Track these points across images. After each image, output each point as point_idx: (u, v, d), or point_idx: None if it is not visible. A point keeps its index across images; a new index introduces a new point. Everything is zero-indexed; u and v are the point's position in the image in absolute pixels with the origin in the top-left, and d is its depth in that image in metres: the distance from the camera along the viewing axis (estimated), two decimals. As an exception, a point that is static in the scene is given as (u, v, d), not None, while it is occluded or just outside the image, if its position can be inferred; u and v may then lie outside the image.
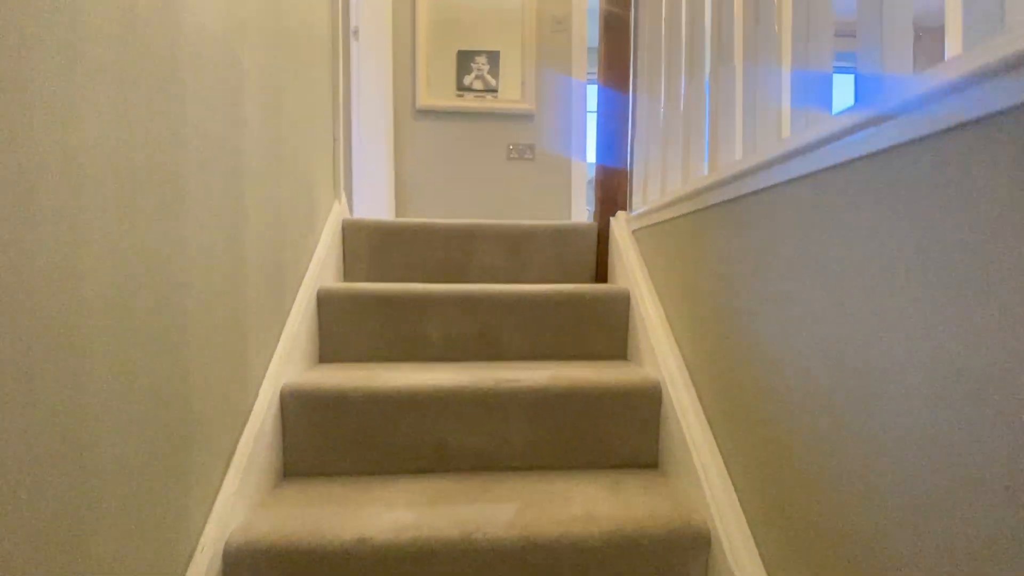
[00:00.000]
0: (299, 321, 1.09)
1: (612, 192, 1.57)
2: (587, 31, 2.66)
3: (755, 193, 0.72)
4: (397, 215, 2.55)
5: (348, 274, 1.49)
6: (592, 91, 4.39)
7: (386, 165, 2.45)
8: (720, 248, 0.84)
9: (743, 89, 0.83)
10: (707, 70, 1.01)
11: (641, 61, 1.48)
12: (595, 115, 1.60)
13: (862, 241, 0.49)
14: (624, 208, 1.57)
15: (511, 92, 2.61)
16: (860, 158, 0.49)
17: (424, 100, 2.56)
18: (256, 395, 0.91)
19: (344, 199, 1.57)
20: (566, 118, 2.64)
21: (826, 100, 0.64)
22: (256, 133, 0.91)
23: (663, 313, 1.15)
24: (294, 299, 1.12)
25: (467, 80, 2.71)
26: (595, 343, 1.29)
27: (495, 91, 2.69)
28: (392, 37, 2.56)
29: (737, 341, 0.76)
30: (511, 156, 2.61)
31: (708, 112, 0.99)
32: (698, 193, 0.92)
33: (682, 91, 1.14)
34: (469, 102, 2.58)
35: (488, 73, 2.72)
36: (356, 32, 2.37)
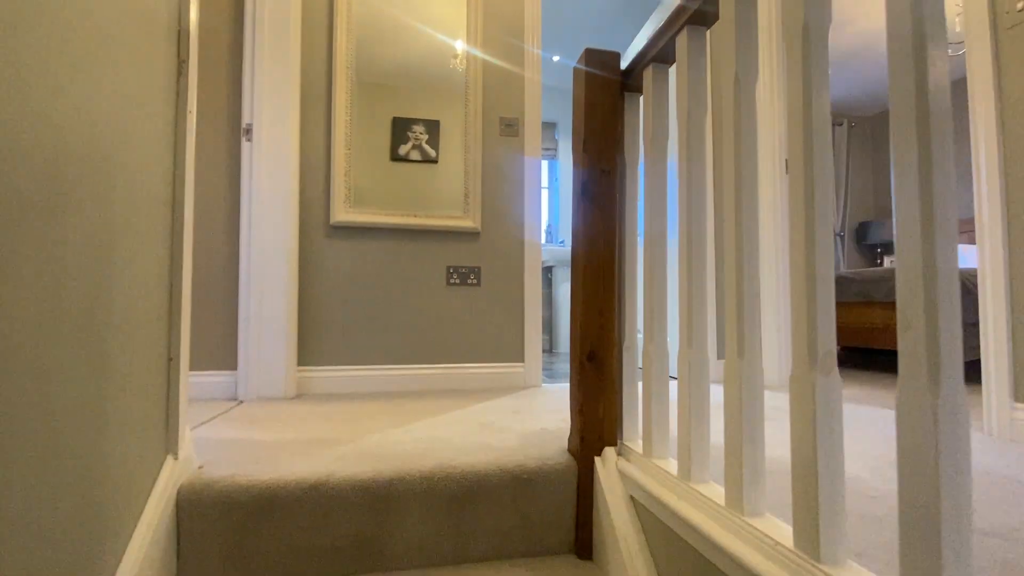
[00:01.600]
0: None
1: (596, 417, 1.11)
2: (540, 138, 2.27)
3: None
4: (300, 364, 1.96)
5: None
6: (557, 167, 4.00)
7: (284, 300, 1.87)
8: None
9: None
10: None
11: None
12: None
13: None
14: (613, 439, 1.11)
15: (451, 205, 2.15)
16: None
17: (341, 214, 2.03)
18: None
19: (186, 442, 0.99)
20: (517, 234, 2.20)
21: None
22: None
23: None
24: None
25: (403, 150, 2.25)
26: None
27: (435, 161, 2.23)
28: (300, 130, 2.03)
29: None
30: (452, 281, 2.12)
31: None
32: None
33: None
34: (400, 217, 2.08)
35: (427, 143, 2.27)
36: (249, 131, 1.83)
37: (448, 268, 2.12)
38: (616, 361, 1.13)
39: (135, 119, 0.80)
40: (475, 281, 2.14)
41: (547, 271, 4.24)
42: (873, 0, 3.22)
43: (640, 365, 1.18)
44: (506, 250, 2.19)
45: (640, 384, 1.11)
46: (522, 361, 2.16)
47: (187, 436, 1.00)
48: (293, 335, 1.92)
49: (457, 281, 2.13)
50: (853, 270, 2.79)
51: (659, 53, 1.02)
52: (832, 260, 0.61)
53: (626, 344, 1.13)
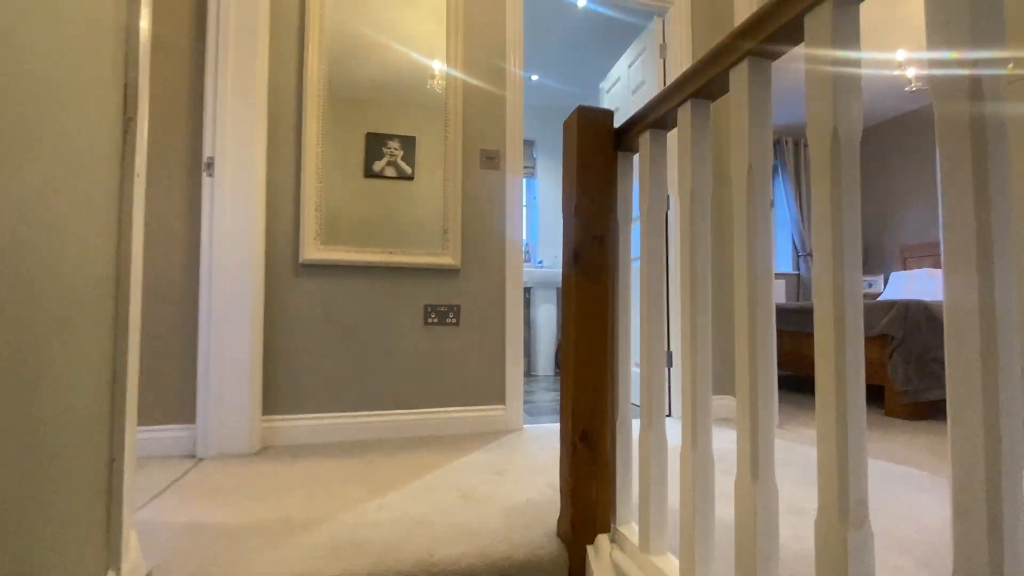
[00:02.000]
0: None
1: (589, 502, 1.04)
2: (522, 167, 2.20)
3: None
4: (266, 413, 1.83)
5: None
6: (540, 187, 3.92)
7: (248, 346, 1.74)
8: None
9: None
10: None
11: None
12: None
13: None
14: (606, 524, 1.04)
15: (429, 238, 2.05)
16: None
17: (311, 251, 1.91)
18: None
19: (132, 550, 0.87)
20: (498, 270, 2.12)
21: None
22: None
23: None
24: None
25: (377, 166, 2.15)
26: None
27: (410, 178, 2.14)
28: (268, 158, 1.91)
29: None
30: (430, 321, 2.03)
31: None
32: None
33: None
34: (376, 254, 1.98)
35: (403, 160, 2.18)
36: (210, 165, 1.70)
37: (426, 307, 2.03)
38: (609, 439, 1.07)
39: (71, 192, 0.68)
40: (454, 320, 2.05)
41: (525, 292, 4.17)
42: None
43: (635, 441, 1.12)
44: (487, 287, 2.10)
45: (635, 466, 1.04)
46: (503, 404, 2.08)
47: (132, 543, 0.88)
48: (257, 382, 1.79)
49: (435, 320, 2.03)
50: (798, 302, 2.82)
51: (659, 120, 0.96)
52: (863, 411, 0.55)
53: (619, 420, 1.06)
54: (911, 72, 3.08)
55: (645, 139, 1.01)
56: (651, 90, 2.57)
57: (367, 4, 2.08)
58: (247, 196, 1.76)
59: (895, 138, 4.70)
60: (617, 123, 2.90)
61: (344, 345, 1.93)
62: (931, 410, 2.38)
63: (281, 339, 1.86)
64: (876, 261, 4.91)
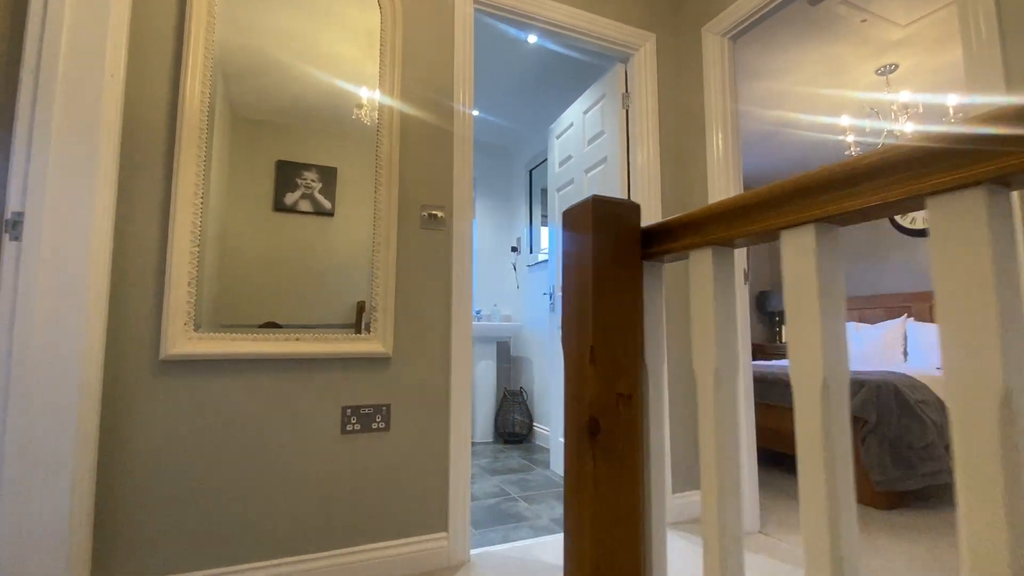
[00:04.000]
0: None
1: None
2: (472, 224, 1.81)
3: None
4: (92, 593, 1.24)
5: None
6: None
7: (67, 491, 1.16)
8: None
9: None
10: None
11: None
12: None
13: None
14: None
15: (350, 313, 1.59)
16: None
17: (180, 342, 1.36)
18: None
19: None
20: (441, 354, 1.69)
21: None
22: None
23: None
24: None
25: (290, 199, 1.68)
26: None
27: (330, 214, 1.69)
28: (117, 208, 1.36)
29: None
30: (350, 428, 1.54)
31: None
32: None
33: None
34: (276, 343, 1.47)
35: (321, 192, 1.72)
36: (17, 224, 1.14)
37: (345, 410, 1.54)
38: None
39: None
40: (382, 424, 1.58)
41: (461, 347, 3.72)
42: (787, 94, 3.29)
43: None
44: (427, 377, 1.66)
45: None
46: (445, 530, 1.62)
47: None
48: (83, 544, 1.20)
49: (357, 427, 1.55)
50: (780, 370, 2.67)
51: (725, 236, 0.61)
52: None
53: None
54: (851, 138, 3.12)
55: (703, 259, 0.66)
56: (612, 142, 2.31)
57: (274, 18, 1.62)
58: (75, 267, 1.20)
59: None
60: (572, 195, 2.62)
61: (224, 471, 1.38)
62: (906, 498, 2.25)
63: (126, 472, 1.29)
64: (803, 311, 5.03)
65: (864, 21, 2.56)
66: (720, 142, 2.09)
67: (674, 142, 2.27)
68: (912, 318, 4.01)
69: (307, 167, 1.76)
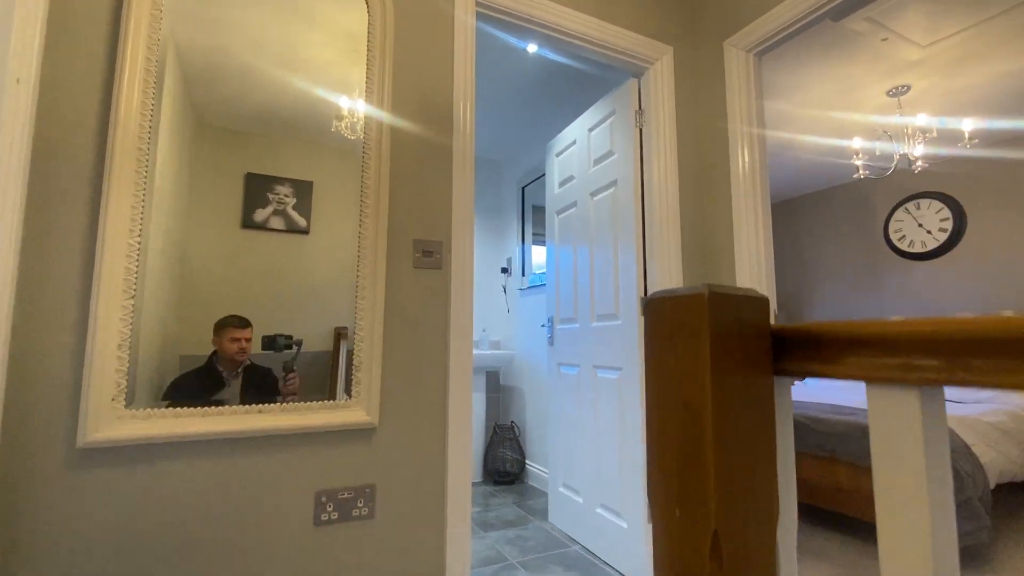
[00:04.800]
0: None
1: None
2: (472, 262, 1.55)
3: None
4: None
5: None
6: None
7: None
8: None
9: None
10: None
11: None
12: None
13: None
14: None
15: (317, 385, 1.30)
16: None
17: (103, 425, 1.06)
18: None
19: None
20: (435, 421, 1.42)
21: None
22: None
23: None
24: None
25: (260, 216, 1.44)
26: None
27: (304, 232, 1.45)
28: (21, 250, 1.06)
29: None
30: (326, 518, 1.25)
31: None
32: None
33: None
34: (230, 418, 1.17)
35: (295, 209, 1.48)
36: None
37: (320, 496, 1.25)
38: None
39: None
40: (365, 511, 1.30)
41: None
42: (793, 116, 3.14)
43: None
44: (419, 448, 1.38)
45: None
46: (441, 638, 1.34)
47: None
48: None
49: (335, 516, 1.26)
50: (814, 415, 2.46)
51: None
52: None
53: None
54: (860, 161, 2.98)
55: (902, 402, 0.41)
56: (624, 163, 2.08)
57: (243, 15, 1.36)
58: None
59: (809, 215, 4.80)
60: (556, 194, 2.38)
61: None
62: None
63: (25, 599, 0.98)
64: (798, 333, 4.91)
65: (885, 40, 2.41)
66: (746, 165, 1.89)
67: (694, 165, 2.06)
68: (913, 344, 3.89)
69: (280, 181, 1.53)
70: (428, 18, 1.56)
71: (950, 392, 3.34)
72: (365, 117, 1.44)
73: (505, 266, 3.90)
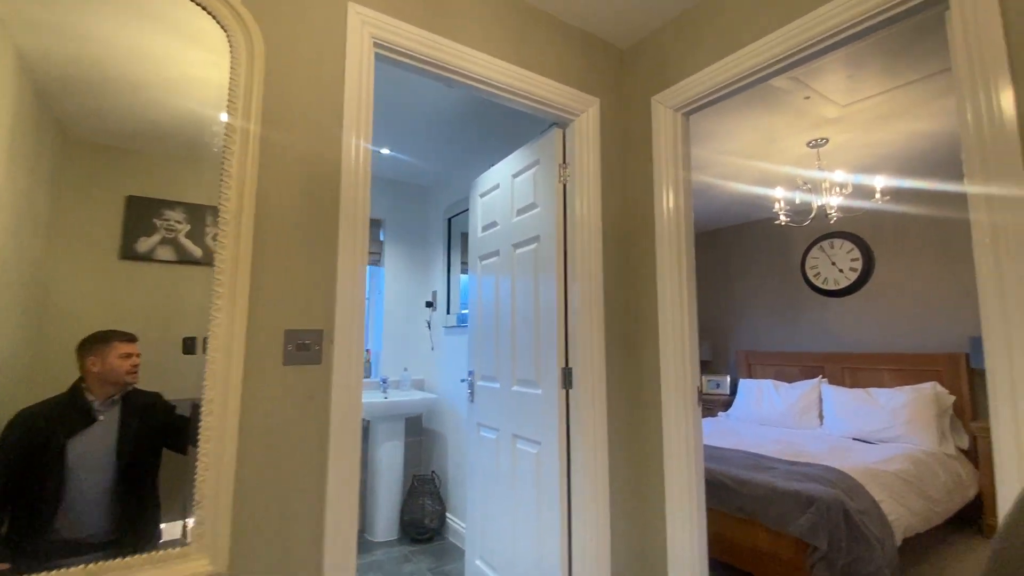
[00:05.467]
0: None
1: None
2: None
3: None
4: None
5: None
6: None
7: None
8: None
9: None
10: None
11: None
12: None
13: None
14: None
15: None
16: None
17: None
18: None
19: None
20: (312, 565, 1.18)
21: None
22: None
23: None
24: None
25: (144, 245, 1.20)
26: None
27: (201, 263, 1.19)
28: None
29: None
30: None
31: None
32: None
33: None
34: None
35: (188, 236, 1.21)
36: None
37: (140, 677, 0.97)
38: None
39: None
40: None
41: (362, 425, 3.15)
42: (714, 163, 3.14)
43: None
44: (283, 597, 1.13)
45: None
46: None
47: None
48: None
49: None
50: (735, 475, 2.42)
51: None
52: None
53: None
54: (778, 206, 3.02)
55: None
56: (547, 220, 1.93)
57: (103, 24, 1.12)
58: None
59: (736, 245, 4.92)
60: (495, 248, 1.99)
61: None
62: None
63: None
64: (721, 364, 5.02)
65: (807, 98, 2.43)
66: (672, 222, 1.79)
67: (619, 226, 1.93)
68: (826, 379, 4.06)
69: (170, 204, 1.26)
70: (311, 61, 1.32)
71: (858, 432, 3.47)
72: (221, 178, 1.19)
73: (430, 299, 3.66)
